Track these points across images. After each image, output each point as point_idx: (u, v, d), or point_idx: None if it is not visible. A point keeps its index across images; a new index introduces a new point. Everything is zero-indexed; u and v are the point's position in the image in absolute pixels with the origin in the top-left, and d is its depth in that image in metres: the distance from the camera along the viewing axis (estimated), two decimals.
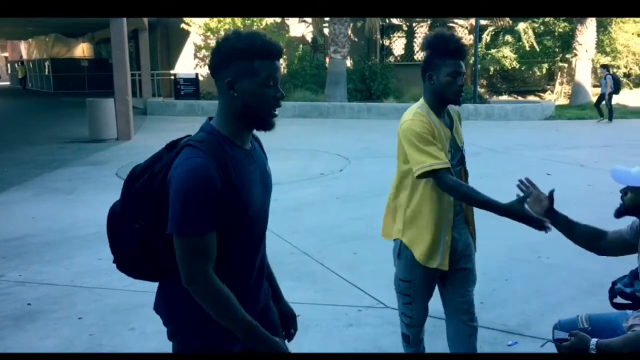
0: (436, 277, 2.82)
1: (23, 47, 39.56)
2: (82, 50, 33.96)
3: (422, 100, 2.75)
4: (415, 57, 24.17)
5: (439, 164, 2.55)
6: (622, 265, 3.21)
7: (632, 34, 22.84)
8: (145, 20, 19.93)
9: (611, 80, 16.53)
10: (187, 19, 18.15)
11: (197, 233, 1.64)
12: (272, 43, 1.73)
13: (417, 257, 2.73)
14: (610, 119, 16.74)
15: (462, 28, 23.81)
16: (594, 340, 2.34)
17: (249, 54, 1.69)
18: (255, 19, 18.20)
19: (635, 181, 2.47)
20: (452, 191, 2.58)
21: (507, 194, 2.73)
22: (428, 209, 2.69)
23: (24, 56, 39.53)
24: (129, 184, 1.79)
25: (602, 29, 22.07)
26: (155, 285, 1.92)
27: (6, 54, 46.44)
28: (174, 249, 1.68)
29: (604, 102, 16.96)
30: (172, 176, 1.66)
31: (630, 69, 23.47)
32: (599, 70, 20.30)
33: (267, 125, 1.77)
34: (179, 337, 1.83)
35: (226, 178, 1.67)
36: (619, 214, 2.55)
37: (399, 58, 24.05)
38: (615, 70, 23.56)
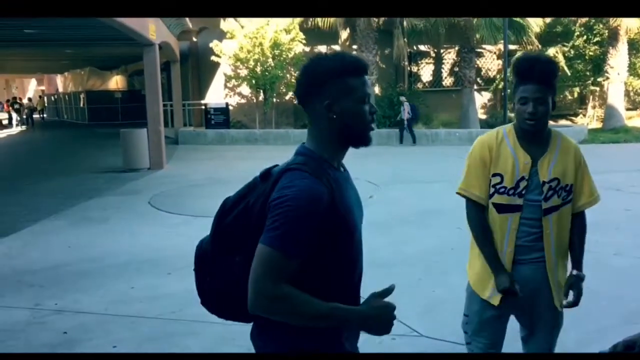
0: (496, 317, 2.61)
1: (59, 80, 40.77)
2: (115, 82, 34.83)
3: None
4: (443, 83, 24.15)
5: (461, 190, 2.60)
6: None
7: None
8: (177, 52, 20.37)
9: (409, 108, 17.74)
10: (217, 51, 18.50)
11: (291, 254, 1.57)
12: (360, 59, 1.76)
13: (470, 283, 2.66)
14: (413, 141, 17.74)
15: (490, 53, 23.76)
16: None
17: (343, 72, 1.69)
18: (284, 49, 18.46)
19: None
20: None
21: None
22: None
23: (60, 89, 40.70)
24: (221, 217, 1.75)
25: (634, 51, 21.78)
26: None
27: (43, 87, 47.92)
28: None
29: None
30: (278, 197, 1.59)
31: None
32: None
33: (366, 141, 1.75)
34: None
35: (331, 200, 1.63)
36: None
37: (427, 84, 24.05)
38: None
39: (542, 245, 2.51)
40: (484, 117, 21.96)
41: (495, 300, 2.54)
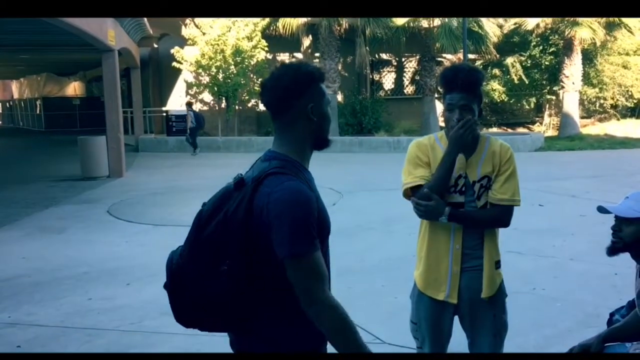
0: (448, 317, 2.60)
1: (14, 86, 39.72)
2: (73, 88, 34.10)
3: None
4: (405, 90, 24.43)
5: (408, 184, 2.52)
6: (618, 295, 3.20)
7: (618, 65, 23.23)
8: (138, 58, 20.09)
9: (192, 116, 17.61)
10: (178, 57, 18.31)
11: (311, 251, 1.64)
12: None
13: (420, 287, 2.60)
14: (194, 150, 17.72)
15: (450, 62, 24.17)
16: None
17: (319, 78, 1.81)
18: (246, 56, 18.39)
19: (631, 212, 2.31)
20: None
21: None
22: (427, 234, 2.59)
23: (15, 95, 39.65)
24: (198, 231, 1.72)
25: (587, 61, 22.45)
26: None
27: None
28: (265, 285, 1.68)
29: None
30: (269, 203, 1.64)
31: (617, 100, 23.78)
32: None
33: (329, 143, 1.89)
34: None
35: (315, 198, 1.72)
36: (615, 251, 2.38)
37: (389, 92, 24.30)
38: (602, 101, 23.90)
39: (482, 252, 2.54)
40: (444, 124, 22.29)
41: (454, 297, 2.53)
